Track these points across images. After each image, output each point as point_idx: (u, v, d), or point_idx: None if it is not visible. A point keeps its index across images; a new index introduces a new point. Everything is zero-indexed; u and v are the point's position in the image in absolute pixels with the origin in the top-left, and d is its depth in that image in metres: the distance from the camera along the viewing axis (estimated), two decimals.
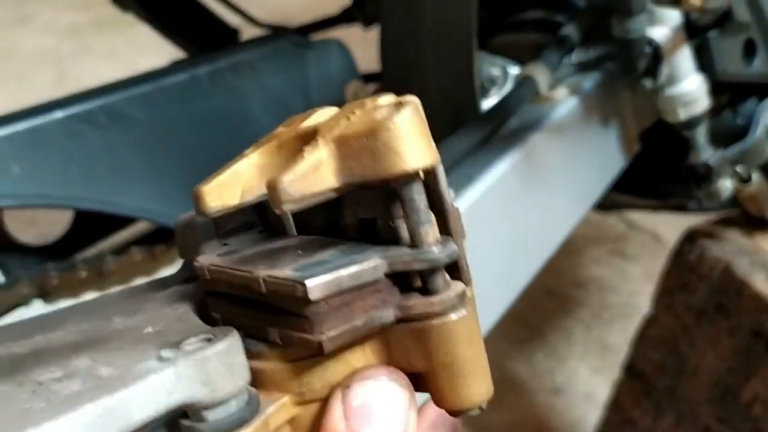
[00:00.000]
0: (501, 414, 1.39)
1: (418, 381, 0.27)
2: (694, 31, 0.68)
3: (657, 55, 0.66)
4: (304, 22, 0.97)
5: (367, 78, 0.93)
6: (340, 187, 0.26)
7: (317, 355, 0.26)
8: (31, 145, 0.66)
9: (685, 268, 0.85)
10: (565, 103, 0.68)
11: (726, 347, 0.82)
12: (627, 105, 0.76)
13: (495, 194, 0.58)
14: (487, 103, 0.77)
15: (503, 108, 0.66)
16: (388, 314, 0.26)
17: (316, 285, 0.25)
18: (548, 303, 1.65)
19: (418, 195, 0.26)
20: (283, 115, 0.87)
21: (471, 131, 0.63)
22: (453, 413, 0.27)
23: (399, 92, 0.85)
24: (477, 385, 0.26)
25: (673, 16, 0.67)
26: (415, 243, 0.26)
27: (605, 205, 1.04)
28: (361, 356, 0.27)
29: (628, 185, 0.92)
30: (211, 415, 0.25)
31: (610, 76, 0.74)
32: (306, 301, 0.25)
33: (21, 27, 2.77)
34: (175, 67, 0.78)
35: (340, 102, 0.87)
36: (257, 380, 0.27)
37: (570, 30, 0.74)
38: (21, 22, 2.81)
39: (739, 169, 0.73)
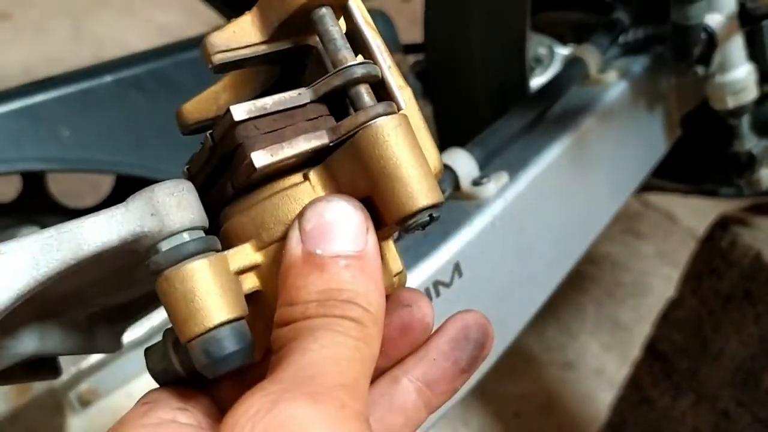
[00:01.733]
0: (511, 385, 1.41)
1: (371, 210, 0.27)
2: (747, 19, 0.67)
3: (712, 43, 0.66)
4: None
5: (407, 49, 0.93)
6: (264, 38, 0.29)
7: (253, 182, 0.28)
8: (80, 108, 0.66)
9: (715, 254, 0.86)
10: (614, 87, 0.68)
11: (751, 334, 0.84)
12: (672, 90, 0.76)
13: (548, 177, 0.58)
14: (534, 83, 0.76)
15: (554, 89, 0.66)
16: (321, 136, 0.28)
17: (238, 109, 0.27)
18: None
19: (331, 26, 0.28)
20: None
21: (522, 111, 0.63)
22: (401, 222, 0.27)
23: (443, 66, 0.84)
24: (416, 188, 0.26)
25: (729, 4, 0.66)
26: (336, 66, 0.28)
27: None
28: (310, 191, 0.28)
29: (661, 169, 0.92)
30: (165, 245, 0.27)
31: (658, 59, 0.74)
32: (233, 125, 0.27)
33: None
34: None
35: None
36: (223, 241, 0.29)
37: (621, 13, 0.74)
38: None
39: None
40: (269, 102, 0.28)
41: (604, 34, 0.72)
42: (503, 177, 0.55)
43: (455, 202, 0.55)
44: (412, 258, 0.49)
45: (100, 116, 0.67)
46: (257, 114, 0.28)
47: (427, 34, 0.81)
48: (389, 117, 0.26)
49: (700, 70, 0.69)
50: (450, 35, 0.79)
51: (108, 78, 0.68)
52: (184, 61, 0.71)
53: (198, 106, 0.32)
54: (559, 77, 0.67)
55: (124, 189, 0.78)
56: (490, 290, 0.52)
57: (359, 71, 0.27)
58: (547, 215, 0.58)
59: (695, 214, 0.92)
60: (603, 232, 1.74)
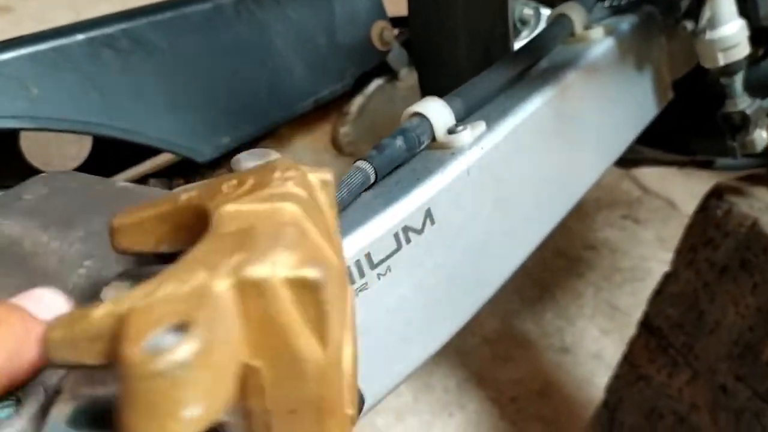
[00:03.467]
0: (508, 370, 1.39)
1: None
2: None
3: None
4: None
5: (395, 22, 0.91)
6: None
7: None
8: (51, 66, 0.64)
9: (710, 224, 0.84)
10: (601, 44, 0.66)
11: (748, 305, 0.81)
12: (662, 51, 0.74)
13: (528, 129, 0.56)
14: (519, 45, 0.74)
15: (537, 45, 0.64)
16: None
17: None
18: (559, 264, 1.64)
19: None
20: (306, 50, 0.85)
21: (504, 67, 0.61)
22: None
23: (427, 33, 0.81)
24: None
25: None
26: None
27: (629, 160, 1.03)
28: None
29: (655, 139, 0.90)
30: None
31: (647, 19, 0.72)
32: None
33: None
34: None
35: (365, 41, 0.85)
36: None
37: None
38: None
39: None
40: None
41: None
42: (480, 126, 0.53)
43: (429, 152, 0.53)
44: (381, 203, 0.47)
45: (72, 75, 0.65)
46: None
47: (411, 5, 0.80)
48: None
49: (689, 25, 0.66)
50: (434, 6, 0.78)
51: (80, 36, 0.66)
52: (159, 21, 0.70)
53: (134, 235, 0.26)
54: (542, 34, 0.65)
55: (101, 152, 0.76)
56: (464, 240, 0.50)
57: None
58: (526, 168, 0.56)
59: (695, 200, 0.90)
60: (601, 218, 1.72)
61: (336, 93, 0.82)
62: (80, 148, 0.76)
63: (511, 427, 1.28)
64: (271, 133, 0.79)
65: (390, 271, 0.46)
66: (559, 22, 0.67)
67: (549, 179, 0.59)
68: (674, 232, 1.79)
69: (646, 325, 0.96)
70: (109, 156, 0.77)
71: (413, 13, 0.81)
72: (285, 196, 0.23)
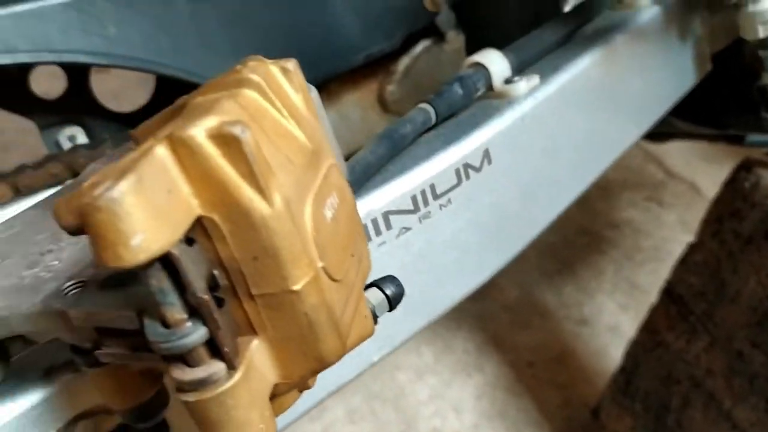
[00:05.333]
0: (526, 337, 1.43)
1: None
2: None
3: None
4: None
5: None
6: None
7: None
8: (128, 8, 0.68)
9: (737, 196, 0.87)
10: (647, 11, 0.69)
11: None
12: (704, 23, 0.77)
13: (578, 85, 0.60)
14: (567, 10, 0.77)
15: (586, 8, 0.67)
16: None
17: None
18: (581, 240, 1.67)
19: (153, 278, 0.24)
20: (360, 8, 0.87)
21: (555, 27, 0.64)
22: None
23: None
24: None
25: None
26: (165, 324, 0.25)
27: (662, 133, 1.06)
28: None
29: (688, 112, 0.93)
30: None
31: None
32: None
33: None
34: None
35: (416, 2, 0.88)
36: None
37: None
38: None
39: None
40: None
41: None
42: (535, 78, 0.57)
43: (487, 100, 0.56)
44: (443, 142, 0.51)
45: (146, 18, 0.69)
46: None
47: None
48: (202, 395, 0.26)
49: None
50: None
51: None
52: None
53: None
54: None
55: (164, 93, 0.81)
56: (517, 182, 0.54)
57: (176, 349, 0.25)
58: (574, 121, 0.59)
59: (719, 185, 0.93)
60: (625, 198, 1.74)
61: (385, 51, 0.85)
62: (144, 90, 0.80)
63: (526, 390, 1.33)
64: (322, 86, 0.83)
65: (450, 203, 0.50)
66: None
67: (593, 133, 0.62)
68: (697, 215, 1.80)
69: (668, 292, 1.00)
70: (170, 98, 0.81)
71: None
72: (241, 83, 0.28)
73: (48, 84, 0.77)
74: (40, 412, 0.36)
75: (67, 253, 0.35)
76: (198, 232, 0.25)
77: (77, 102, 0.76)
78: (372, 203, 0.46)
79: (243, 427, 0.26)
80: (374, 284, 0.35)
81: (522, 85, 0.56)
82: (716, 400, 0.93)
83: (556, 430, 1.25)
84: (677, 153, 1.90)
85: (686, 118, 0.95)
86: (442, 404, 1.30)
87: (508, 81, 0.56)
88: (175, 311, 0.24)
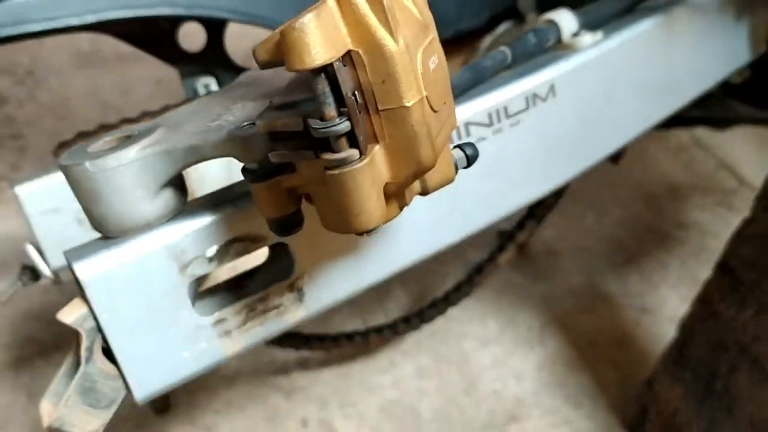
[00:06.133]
0: (589, 320, 1.51)
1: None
2: None
3: None
4: None
5: None
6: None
7: None
8: None
9: None
10: None
11: None
12: (760, 9, 0.86)
13: (637, 43, 0.70)
14: None
15: None
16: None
17: None
18: (649, 237, 1.74)
19: (320, 83, 0.37)
20: None
21: None
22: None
23: None
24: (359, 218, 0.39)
25: None
26: (321, 117, 0.38)
27: (725, 119, 1.13)
28: None
29: (751, 96, 1.01)
30: None
31: None
32: None
33: None
34: None
35: None
36: None
37: None
38: None
39: None
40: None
41: None
42: (598, 34, 0.68)
43: (557, 51, 0.68)
44: (516, 74, 0.63)
45: None
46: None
47: None
48: (344, 170, 0.39)
49: None
50: None
51: None
52: None
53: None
54: None
55: None
56: (577, 115, 0.65)
57: (326, 133, 0.38)
58: (632, 75, 0.70)
59: None
60: (695, 201, 1.79)
61: (472, 28, 0.98)
62: None
63: (586, 366, 1.41)
64: None
65: (519, 123, 0.62)
66: None
67: (648, 87, 0.73)
68: None
69: (722, 266, 1.07)
70: None
71: None
72: None
73: (191, 39, 0.93)
74: (209, 232, 0.50)
75: (238, 114, 0.49)
76: (348, 60, 0.38)
77: (213, 56, 0.92)
78: (457, 115, 0.59)
79: (366, 198, 0.39)
80: (457, 146, 0.48)
81: (586, 38, 0.67)
82: (760, 363, 0.99)
83: (612, 402, 1.33)
84: (750, 161, 1.94)
85: (747, 102, 1.03)
86: (503, 371, 1.39)
87: (575, 35, 0.68)
88: (331, 109, 0.37)
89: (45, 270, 0.83)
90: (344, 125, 0.37)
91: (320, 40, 0.35)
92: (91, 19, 0.79)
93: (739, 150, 2.00)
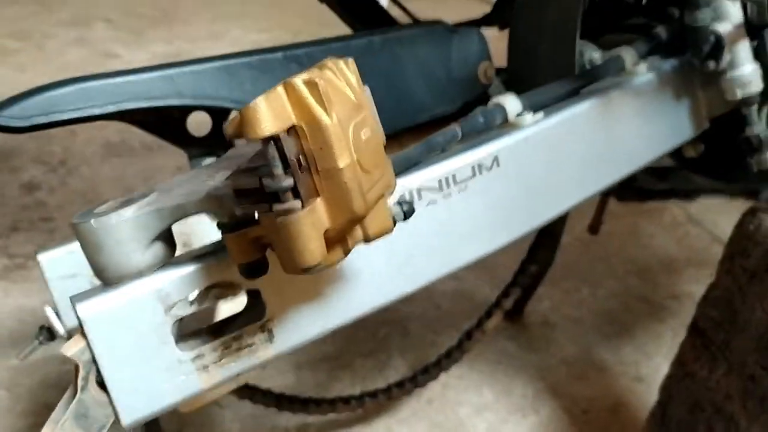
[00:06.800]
0: (582, 388, 1.55)
1: None
2: (751, 28, 0.88)
3: (719, 44, 0.87)
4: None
5: (498, 70, 1.19)
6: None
7: None
8: (258, 71, 0.97)
9: (744, 237, 1.02)
10: (645, 75, 0.90)
11: None
12: (699, 90, 0.96)
13: (575, 122, 0.81)
14: None
15: (592, 73, 0.89)
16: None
17: None
18: (641, 308, 1.79)
19: (270, 150, 0.47)
20: (429, 80, 1.13)
21: (565, 83, 0.86)
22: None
23: (519, 72, 1.16)
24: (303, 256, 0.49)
25: (736, 14, 0.87)
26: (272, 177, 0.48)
27: (688, 191, 1.23)
28: None
29: (706, 169, 1.11)
30: None
31: (687, 64, 0.95)
32: None
33: (213, 41, 3.27)
34: (357, 34, 1.07)
35: (472, 76, 1.12)
36: None
37: (661, 30, 0.96)
38: (213, 37, 3.32)
39: None
40: None
41: (643, 41, 0.95)
42: (539, 114, 0.79)
43: (502, 128, 0.79)
44: (464, 148, 0.73)
45: (272, 79, 0.97)
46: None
47: (510, 52, 1.08)
48: (288, 218, 0.48)
49: (712, 65, 0.89)
50: (525, 53, 1.06)
51: (279, 54, 0.98)
52: (332, 47, 1.02)
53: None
54: (598, 67, 0.91)
55: None
56: (519, 183, 0.75)
57: (272, 188, 0.48)
58: (571, 149, 0.80)
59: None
60: (688, 274, 1.85)
61: (447, 113, 1.10)
62: None
63: None
64: (395, 137, 1.08)
65: (466, 189, 0.72)
66: (614, 58, 0.92)
67: (588, 160, 0.82)
68: None
69: (693, 327, 1.13)
70: None
71: (510, 60, 1.09)
72: (323, 65, 0.52)
73: (199, 126, 1.06)
74: (190, 279, 0.60)
75: (218, 179, 0.60)
76: (293, 132, 0.48)
77: (217, 140, 1.04)
78: (409, 181, 0.69)
79: (308, 240, 0.48)
80: (397, 203, 0.57)
81: (528, 117, 0.78)
82: (735, 422, 1.04)
83: None
84: None
85: (704, 174, 1.13)
86: None
87: (518, 115, 0.78)
88: (278, 170, 0.48)
89: (60, 329, 0.92)
90: (288, 182, 0.48)
91: (269, 116, 0.46)
92: (111, 109, 0.92)
93: (732, 225, 2.07)
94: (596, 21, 1.05)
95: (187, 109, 1.00)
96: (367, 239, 0.55)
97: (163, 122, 1.03)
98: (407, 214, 0.57)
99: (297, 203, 0.48)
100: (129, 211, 0.57)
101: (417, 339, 1.66)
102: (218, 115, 1.03)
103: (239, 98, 0.95)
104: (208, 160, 1.05)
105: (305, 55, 1.00)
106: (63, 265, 0.92)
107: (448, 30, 1.11)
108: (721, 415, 1.07)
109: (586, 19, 0.97)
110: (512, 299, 1.33)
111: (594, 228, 1.31)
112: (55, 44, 3.05)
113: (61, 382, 1.47)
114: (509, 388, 1.54)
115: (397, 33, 1.08)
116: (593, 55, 1.00)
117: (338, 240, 0.52)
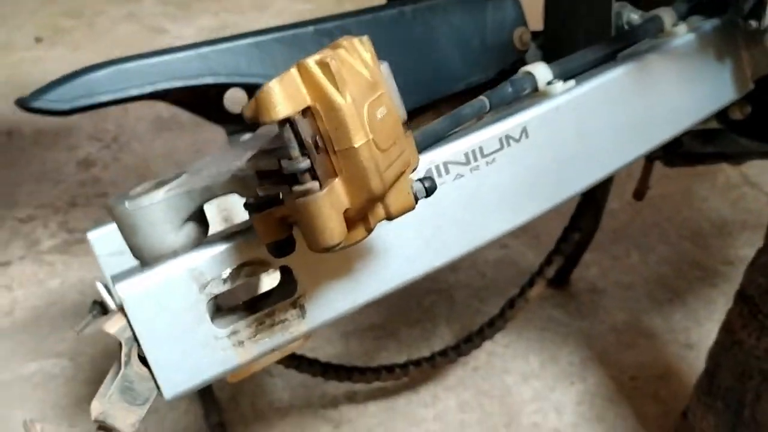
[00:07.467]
0: (631, 355, 1.54)
1: None
2: None
3: (761, 1, 0.83)
4: None
5: (534, 34, 1.16)
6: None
7: None
8: (291, 46, 0.98)
9: None
10: (684, 37, 0.87)
11: None
12: (742, 49, 0.92)
13: (609, 89, 0.79)
14: None
15: (629, 34, 0.87)
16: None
17: None
18: (694, 274, 1.75)
19: (285, 132, 0.47)
20: (462, 49, 1.13)
21: (599, 47, 0.84)
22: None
23: (556, 36, 1.15)
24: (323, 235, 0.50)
25: None
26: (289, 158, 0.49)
27: (738, 154, 1.18)
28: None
29: (754, 132, 1.07)
30: None
31: (729, 23, 0.91)
32: None
33: (258, 12, 3.29)
34: (390, 4, 1.06)
35: (508, 42, 1.10)
36: None
37: None
38: (258, 8, 3.34)
39: None
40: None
41: (683, 1, 0.91)
42: (570, 82, 0.77)
43: (532, 99, 0.77)
44: (493, 119, 0.72)
45: (303, 53, 0.98)
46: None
47: (546, 15, 1.06)
48: (307, 199, 0.49)
49: (754, 24, 0.85)
50: (562, 16, 1.03)
51: (310, 28, 0.99)
52: (362, 20, 1.01)
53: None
54: (636, 26, 0.88)
55: None
56: (550, 155, 0.74)
57: (289, 170, 0.49)
58: (604, 117, 0.78)
59: None
60: (743, 238, 1.80)
61: (482, 81, 1.08)
62: None
63: (627, 401, 1.43)
64: (433, 106, 1.08)
65: (494, 161, 0.71)
66: (651, 19, 0.89)
67: (621, 128, 0.81)
68: None
69: (740, 294, 1.10)
70: None
71: (547, 24, 1.07)
72: (337, 44, 0.52)
73: (235, 102, 1.07)
74: (223, 257, 0.61)
75: (244, 160, 0.61)
76: (309, 113, 0.49)
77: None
78: (436, 156, 0.69)
79: (327, 220, 0.49)
80: (418, 180, 0.58)
81: (558, 85, 0.76)
82: None
83: None
84: None
85: (751, 137, 1.09)
86: (544, 404, 1.44)
87: (549, 84, 0.77)
88: (295, 152, 0.48)
89: (111, 304, 0.97)
90: (305, 163, 0.48)
91: (283, 98, 0.47)
92: (149, 89, 0.95)
93: None
94: None
95: (223, 87, 1.02)
96: (389, 217, 0.55)
97: (200, 100, 1.05)
98: (429, 191, 0.57)
99: (315, 184, 0.49)
100: (160, 194, 0.59)
101: (463, 307, 1.66)
102: (253, 91, 1.04)
103: (272, 74, 0.96)
104: (246, 136, 1.07)
105: (336, 28, 1.00)
106: (112, 242, 0.96)
107: None
108: None
109: None
110: (555, 267, 1.32)
111: (639, 194, 1.28)
112: (106, 21, 3.11)
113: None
114: (556, 355, 1.54)
115: (429, 2, 1.06)
116: (631, 16, 0.97)
117: (359, 218, 0.53)
